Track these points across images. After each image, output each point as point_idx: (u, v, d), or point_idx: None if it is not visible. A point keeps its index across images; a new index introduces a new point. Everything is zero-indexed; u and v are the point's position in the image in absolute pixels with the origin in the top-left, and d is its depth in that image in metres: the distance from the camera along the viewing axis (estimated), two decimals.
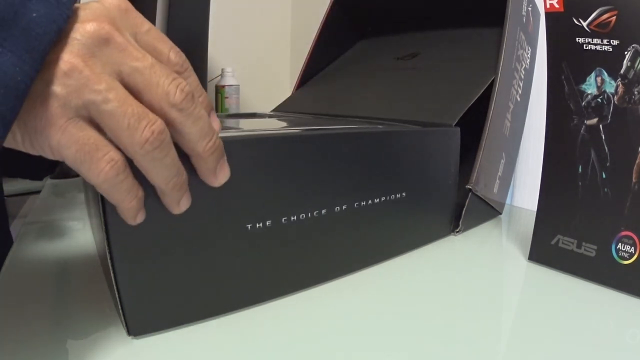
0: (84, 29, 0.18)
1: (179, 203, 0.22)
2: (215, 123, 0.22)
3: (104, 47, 0.18)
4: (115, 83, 0.18)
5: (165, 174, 0.20)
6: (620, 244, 0.31)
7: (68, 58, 0.18)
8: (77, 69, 0.18)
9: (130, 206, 0.20)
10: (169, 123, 0.20)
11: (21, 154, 0.19)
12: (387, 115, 0.47)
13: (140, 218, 0.21)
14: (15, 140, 0.18)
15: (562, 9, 0.32)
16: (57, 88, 0.17)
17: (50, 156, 0.19)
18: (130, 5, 0.20)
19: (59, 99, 0.17)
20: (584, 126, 0.32)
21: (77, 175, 0.68)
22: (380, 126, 0.37)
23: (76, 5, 0.18)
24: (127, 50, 0.19)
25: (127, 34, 0.19)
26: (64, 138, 0.18)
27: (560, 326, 0.27)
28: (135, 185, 0.20)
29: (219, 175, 0.23)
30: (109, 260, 0.22)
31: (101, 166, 0.18)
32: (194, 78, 0.22)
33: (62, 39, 0.18)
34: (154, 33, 0.21)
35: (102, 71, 0.18)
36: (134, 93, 0.19)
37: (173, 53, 0.21)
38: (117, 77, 0.19)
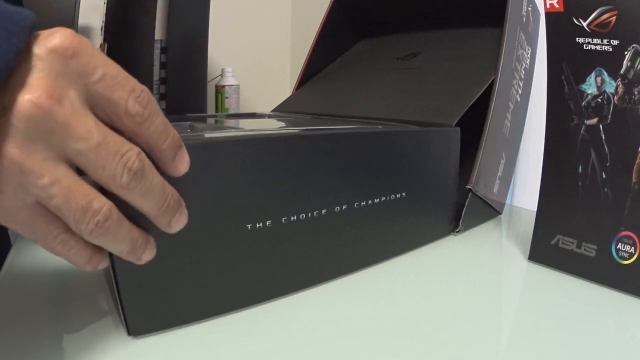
0: (18, 108, 0.16)
1: (141, 258, 0.22)
2: (182, 164, 0.22)
3: (44, 128, 0.17)
4: (60, 171, 0.18)
5: (119, 248, 0.21)
6: (620, 244, 0.31)
7: (5, 151, 0.16)
8: (16, 163, 0.17)
9: (79, 264, 0.21)
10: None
11: None
12: (387, 115, 0.47)
13: (90, 268, 0.21)
14: None
15: (562, 9, 0.32)
16: (2, 186, 0.17)
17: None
18: (78, 47, 0.18)
19: (7, 196, 0.17)
20: (584, 126, 0.32)
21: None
22: (380, 126, 0.37)
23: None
24: (70, 128, 0.17)
25: (73, 94, 0.18)
26: (15, 224, 0.18)
27: (560, 326, 0.27)
28: (88, 254, 0.20)
29: (174, 225, 0.22)
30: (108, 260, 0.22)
31: (54, 246, 0.19)
32: (157, 123, 0.20)
33: None
34: (108, 79, 0.18)
35: (44, 158, 0.17)
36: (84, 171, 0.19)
37: (131, 101, 0.19)
38: (63, 159, 0.18)
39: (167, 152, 0.21)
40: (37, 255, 0.36)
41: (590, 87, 0.31)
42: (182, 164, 0.22)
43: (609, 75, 0.30)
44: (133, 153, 0.19)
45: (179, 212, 0.22)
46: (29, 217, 0.18)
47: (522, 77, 0.49)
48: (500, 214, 0.51)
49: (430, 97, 0.48)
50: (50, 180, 0.17)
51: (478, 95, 0.43)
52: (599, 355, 0.24)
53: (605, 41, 0.30)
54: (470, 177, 0.42)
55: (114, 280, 0.23)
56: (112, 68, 0.19)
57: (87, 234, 0.19)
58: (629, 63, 0.29)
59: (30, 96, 0.17)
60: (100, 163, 0.18)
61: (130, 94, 0.19)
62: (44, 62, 0.17)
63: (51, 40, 0.17)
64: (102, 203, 0.19)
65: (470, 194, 0.43)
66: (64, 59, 0.17)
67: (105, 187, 0.19)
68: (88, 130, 0.18)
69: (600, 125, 0.31)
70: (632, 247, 0.30)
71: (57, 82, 0.17)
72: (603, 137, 0.31)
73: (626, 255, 0.31)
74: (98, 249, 0.21)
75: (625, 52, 0.29)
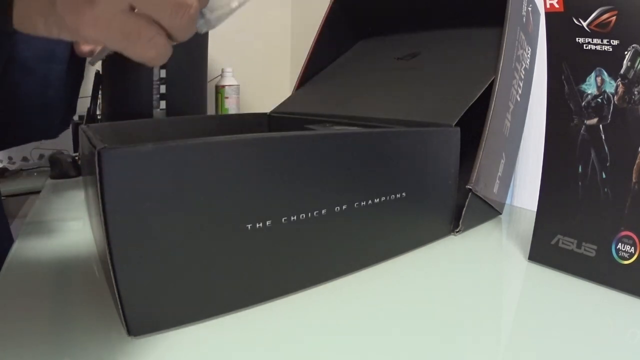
0: None
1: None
2: None
3: None
4: None
5: (188, 34, 0.23)
6: (620, 244, 0.31)
7: None
8: None
9: (165, 55, 0.23)
10: None
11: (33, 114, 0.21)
12: (387, 115, 0.47)
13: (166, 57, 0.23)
14: (48, 26, 0.20)
15: (562, 9, 0.32)
16: None
17: (89, 39, 0.20)
18: None
19: (101, 4, 0.19)
20: (584, 126, 0.32)
21: (77, 175, 0.68)
22: (380, 126, 0.37)
23: None
24: None
25: None
26: (109, 32, 0.20)
27: (560, 326, 0.27)
28: (169, 48, 0.23)
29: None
30: (109, 260, 0.22)
31: (145, 48, 0.21)
32: None
33: None
34: None
35: None
36: None
37: None
38: None
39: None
40: (38, 254, 0.36)
41: (590, 87, 0.31)
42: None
43: (609, 75, 0.30)
44: None
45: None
46: (123, 23, 0.20)
47: (522, 77, 0.49)
48: (500, 214, 0.51)
49: (430, 97, 0.48)
50: None
51: (478, 95, 0.43)
52: (599, 355, 0.24)
53: (605, 41, 0.30)
54: (470, 177, 0.42)
55: (114, 280, 0.23)
56: None
57: (179, 27, 0.21)
58: (629, 63, 0.29)
59: None
60: None
61: None
62: None
63: None
64: (193, 1, 0.21)
65: (470, 194, 0.43)
66: None
67: None
68: None
69: (600, 125, 0.31)
70: (632, 247, 0.30)
71: None
72: (603, 137, 0.31)
73: (626, 255, 0.31)
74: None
75: (625, 52, 0.29)
